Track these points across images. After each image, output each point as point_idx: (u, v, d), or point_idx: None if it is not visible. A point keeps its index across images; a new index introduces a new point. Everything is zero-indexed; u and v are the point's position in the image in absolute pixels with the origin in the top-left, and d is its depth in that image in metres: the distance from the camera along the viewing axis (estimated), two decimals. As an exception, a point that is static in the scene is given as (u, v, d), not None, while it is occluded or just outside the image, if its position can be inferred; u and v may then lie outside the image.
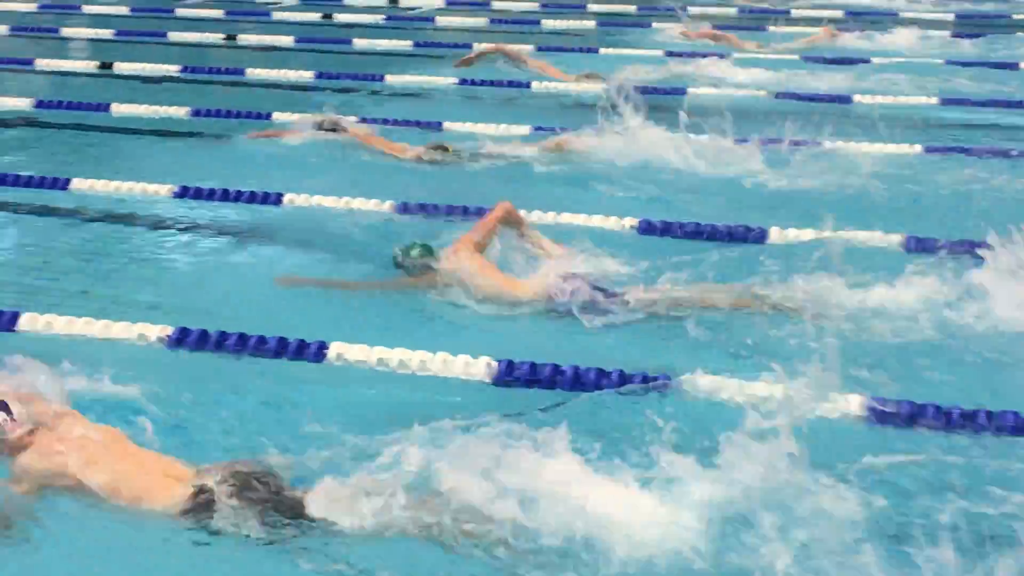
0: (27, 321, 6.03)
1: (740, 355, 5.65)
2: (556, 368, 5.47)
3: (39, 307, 6.22)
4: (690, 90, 11.40)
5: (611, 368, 5.41)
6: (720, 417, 4.72)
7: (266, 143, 9.85)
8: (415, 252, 6.46)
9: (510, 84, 12.62)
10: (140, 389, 5.02)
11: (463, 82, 12.69)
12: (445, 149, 9.20)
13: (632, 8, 18.97)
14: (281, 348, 5.71)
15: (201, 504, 4.10)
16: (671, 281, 6.36)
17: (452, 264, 6.35)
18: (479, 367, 5.51)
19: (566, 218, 7.74)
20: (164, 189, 8.53)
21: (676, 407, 4.90)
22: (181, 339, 5.80)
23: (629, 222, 7.69)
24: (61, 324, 6.01)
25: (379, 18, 18.40)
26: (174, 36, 16.03)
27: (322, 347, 5.67)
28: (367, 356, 5.62)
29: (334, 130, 9.61)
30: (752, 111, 10.62)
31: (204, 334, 5.81)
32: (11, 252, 7.72)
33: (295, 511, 4.08)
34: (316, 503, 4.09)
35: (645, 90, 9.76)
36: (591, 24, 17.45)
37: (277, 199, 8.26)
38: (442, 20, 18.13)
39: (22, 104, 11.40)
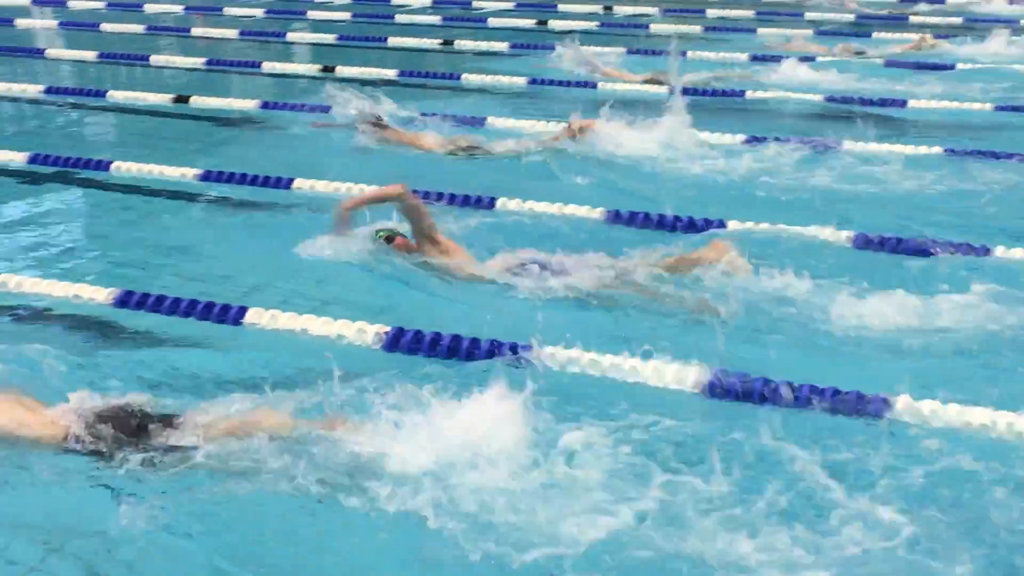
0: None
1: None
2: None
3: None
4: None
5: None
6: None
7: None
8: (380, 234, 7.07)
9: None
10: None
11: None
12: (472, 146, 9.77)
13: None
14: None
15: (77, 433, 4.73)
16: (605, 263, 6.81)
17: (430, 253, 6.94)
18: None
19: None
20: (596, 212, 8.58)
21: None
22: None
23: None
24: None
25: (593, 24, 18.47)
26: (393, 41, 16.43)
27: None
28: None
29: (377, 124, 10.04)
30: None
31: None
32: (228, 247, 7.97)
33: (158, 440, 4.71)
34: (178, 435, 4.71)
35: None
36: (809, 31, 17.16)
37: (490, 203, 8.37)
38: (656, 27, 18.10)
39: (248, 105, 11.85)
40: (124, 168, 9.30)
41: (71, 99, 12.53)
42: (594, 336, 5.90)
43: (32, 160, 9.61)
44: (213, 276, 7.09)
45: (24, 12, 20.36)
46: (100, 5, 21.54)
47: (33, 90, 12.74)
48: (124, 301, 6.54)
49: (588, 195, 8.49)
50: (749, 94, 12.37)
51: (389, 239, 7.03)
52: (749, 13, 19.68)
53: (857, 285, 6.51)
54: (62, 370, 5.39)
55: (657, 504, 4.42)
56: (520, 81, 13.28)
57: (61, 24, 19.11)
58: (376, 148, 9.81)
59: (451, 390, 4.96)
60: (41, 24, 19.35)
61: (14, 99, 12.64)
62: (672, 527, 4.29)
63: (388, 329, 6.03)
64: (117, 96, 12.28)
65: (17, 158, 9.67)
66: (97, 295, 6.60)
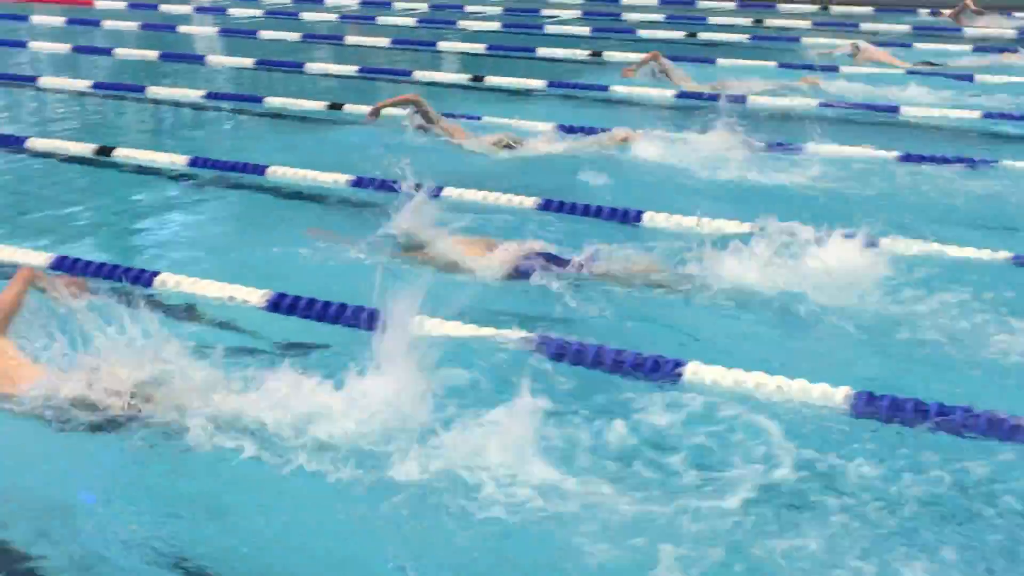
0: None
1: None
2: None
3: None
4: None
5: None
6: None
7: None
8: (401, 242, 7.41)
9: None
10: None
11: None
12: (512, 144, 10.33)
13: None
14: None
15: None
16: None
17: (440, 247, 7.29)
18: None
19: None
20: (529, 202, 8.79)
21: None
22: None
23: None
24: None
25: (744, 37, 18.32)
26: (542, 52, 16.54)
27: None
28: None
29: (425, 121, 10.72)
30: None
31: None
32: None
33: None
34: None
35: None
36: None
37: (637, 217, 8.36)
38: (807, 40, 17.88)
39: (399, 112, 12.04)
40: (279, 173, 9.54)
41: (229, 104, 12.92)
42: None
43: (192, 163, 9.92)
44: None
45: (185, 19, 21.04)
46: (258, 13, 22.14)
47: (194, 95, 13.15)
48: (276, 304, 6.70)
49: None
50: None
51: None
52: (906, 28, 19.36)
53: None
54: (213, 369, 5.54)
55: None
56: (668, 94, 13.24)
57: (221, 31, 19.69)
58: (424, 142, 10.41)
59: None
60: (201, 31, 19.97)
61: (176, 103, 13.06)
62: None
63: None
64: (273, 102, 12.61)
65: (179, 160, 10.00)
66: (251, 296, 6.78)
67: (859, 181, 9.28)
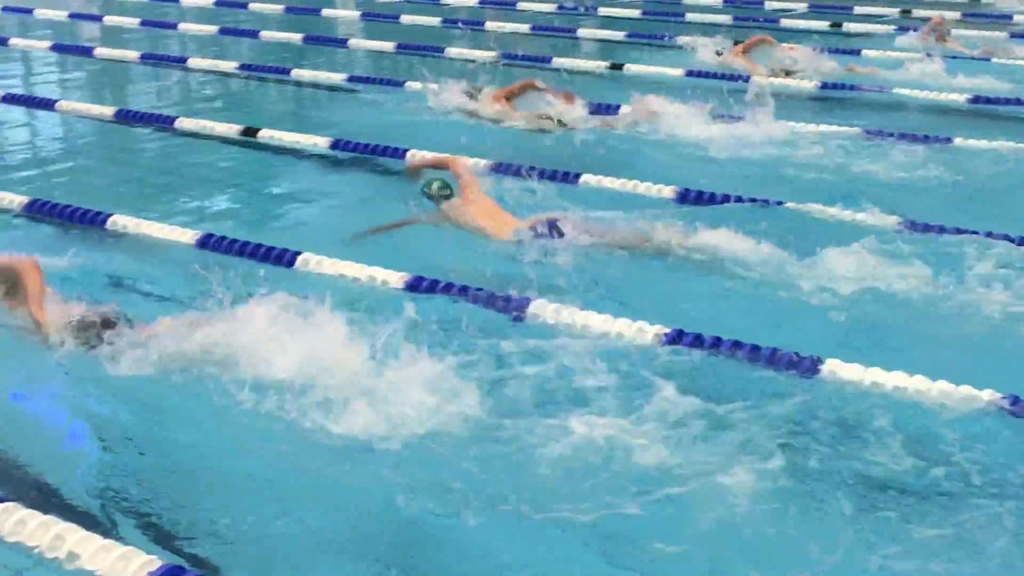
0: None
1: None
2: None
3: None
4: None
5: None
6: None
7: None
8: (436, 185, 7.85)
9: None
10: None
11: (974, 99, 12.16)
12: (549, 118, 10.72)
13: None
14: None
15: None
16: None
17: (462, 203, 7.78)
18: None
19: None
20: (667, 190, 8.74)
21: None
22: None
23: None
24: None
25: (889, 28, 17.90)
26: (682, 40, 16.38)
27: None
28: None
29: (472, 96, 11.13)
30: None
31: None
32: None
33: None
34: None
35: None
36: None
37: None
38: (958, 32, 17.39)
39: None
40: (418, 157, 9.63)
41: (370, 87, 13.06)
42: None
43: (334, 145, 10.08)
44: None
45: (329, 3, 21.34)
46: (400, -3, 22.36)
47: (336, 78, 13.35)
48: (414, 286, 6.78)
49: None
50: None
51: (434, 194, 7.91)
52: None
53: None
54: (357, 348, 5.64)
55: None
56: (808, 85, 13.02)
57: (363, 15, 19.92)
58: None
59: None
60: (344, 15, 20.24)
61: (316, 86, 13.28)
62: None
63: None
64: (414, 86, 12.72)
65: (321, 142, 10.16)
66: (390, 278, 6.86)
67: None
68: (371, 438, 4.99)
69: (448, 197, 7.87)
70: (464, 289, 6.59)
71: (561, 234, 7.50)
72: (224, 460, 5.00)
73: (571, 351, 5.71)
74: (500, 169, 9.21)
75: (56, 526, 4.32)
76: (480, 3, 21.50)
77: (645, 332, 6.08)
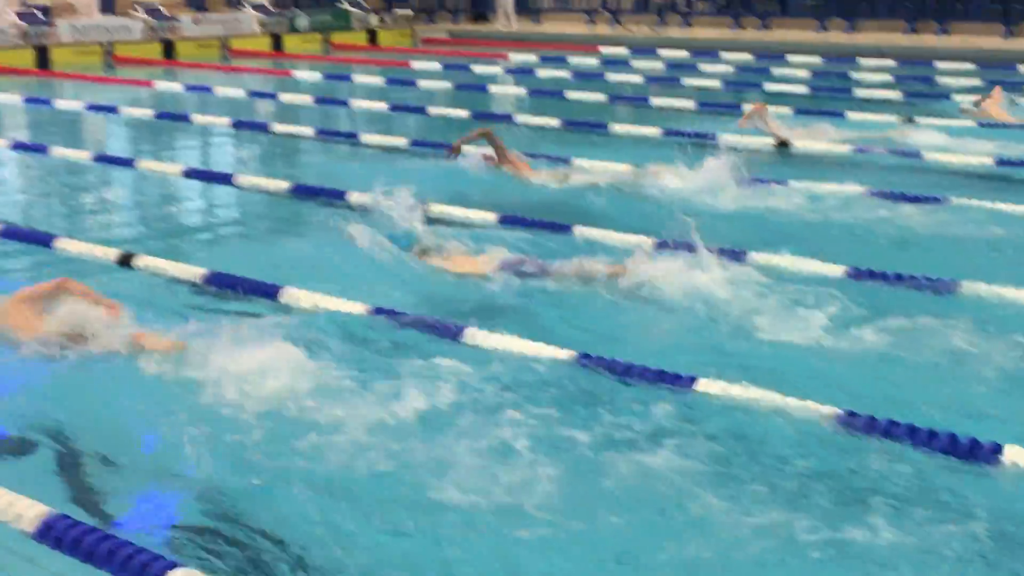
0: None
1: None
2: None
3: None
4: None
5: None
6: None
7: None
8: (416, 249, 8.94)
9: None
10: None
11: None
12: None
13: None
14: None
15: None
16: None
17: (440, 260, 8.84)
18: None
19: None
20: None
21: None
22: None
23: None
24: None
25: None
26: (852, 116, 16.12)
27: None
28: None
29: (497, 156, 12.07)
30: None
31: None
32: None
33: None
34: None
35: None
36: None
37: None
38: None
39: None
40: (586, 233, 9.64)
41: (539, 162, 13.10)
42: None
43: (502, 221, 10.12)
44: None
45: (495, 79, 21.67)
46: (566, 74, 22.54)
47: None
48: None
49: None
50: None
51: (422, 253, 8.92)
52: None
53: None
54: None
55: None
56: (983, 160, 12.66)
57: (530, 92, 20.13)
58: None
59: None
60: (511, 91, 20.50)
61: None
62: None
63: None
64: (580, 163, 12.81)
65: (490, 218, 10.20)
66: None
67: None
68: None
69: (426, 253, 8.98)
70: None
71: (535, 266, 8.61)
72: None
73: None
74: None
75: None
76: (646, 80, 21.59)
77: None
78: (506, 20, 32.65)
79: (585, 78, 22.23)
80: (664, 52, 27.23)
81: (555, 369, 6.58)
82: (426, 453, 5.57)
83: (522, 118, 16.65)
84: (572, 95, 19.25)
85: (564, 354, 6.72)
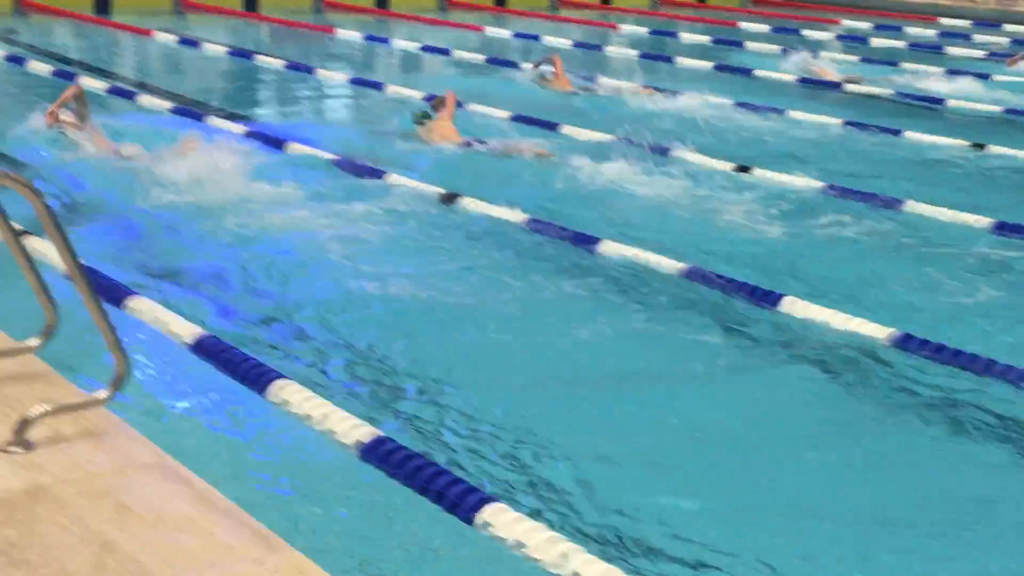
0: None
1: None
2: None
3: None
4: None
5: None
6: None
7: None
8: (419, 114, 11.63)
9: None
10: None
11: None
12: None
13: None
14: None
15: None
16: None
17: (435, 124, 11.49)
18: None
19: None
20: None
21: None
22: None
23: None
24: None
25: None
26: None
27: None
28: None
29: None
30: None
31: None
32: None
33: None
34: None
35: None
36: None
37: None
38: None
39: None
40: (917, 209, 9.25)
41: (868, 135, 12.63)
42: None
43: (830, 189, 9.83)
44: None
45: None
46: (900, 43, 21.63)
47: (834, 122, 13.06)
48: (904, 343, 6.46)
49: None
50: None
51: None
52: None
53: None
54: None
55: None
56: None
57: (861, 59, 19.42)
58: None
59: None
60: (846, 58, 19.83)
61: (815, 126, 13.02)
62: None
63: None
64: (912, 137, 12.28)
65: (815, 184, 9.95)
66: (878, 333, 6.57)
67: None
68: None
69: (427, 118, 11.53)
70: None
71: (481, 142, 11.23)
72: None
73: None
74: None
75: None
76: (989, 55, 20.45)
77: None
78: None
79: (921, 49, 21.30)
80: (1010, 27, 25.74)
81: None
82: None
83: (853, 88, 16.07)
84: (906, 65, 18.44)
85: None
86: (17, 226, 4.23)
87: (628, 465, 5.13)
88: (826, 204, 9.54)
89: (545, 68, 15.53)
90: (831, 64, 17.82)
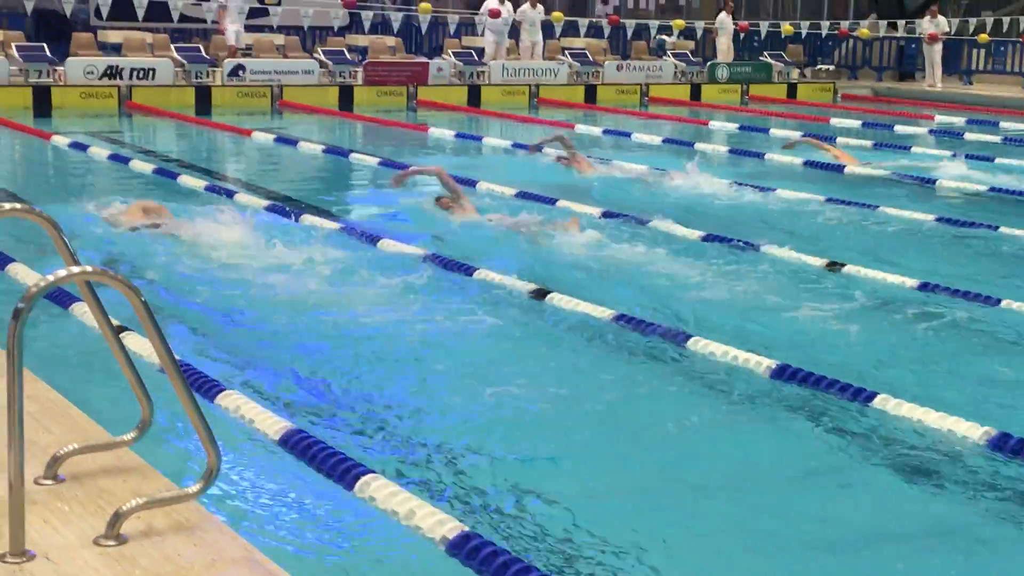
0: None
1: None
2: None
3: None
4: None
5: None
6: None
7: None
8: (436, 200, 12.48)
9: None
10: None
11: None
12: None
13: None
14: None
15: None
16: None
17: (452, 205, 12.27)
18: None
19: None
20: None
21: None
22: None
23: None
24: None
25: None
26: None
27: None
28: None
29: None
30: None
31: None
32: None
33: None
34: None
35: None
36: None
37: None
38: None
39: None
40: (1014, 306, 9.09)
41: (957, 230, 12.44)
42: None
43: (922, 287, 9.69)
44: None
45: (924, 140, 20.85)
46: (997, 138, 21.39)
47: (924, 218, 12.91)
48: (1000, 444, 6.32)
49: None
50: None
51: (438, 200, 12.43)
52: None
53: None
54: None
55: None
56: None
57: (953, 155, 19.23)
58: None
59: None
60: (935, 152, 19.67)
61: (907, 223, 12.89)
62: None
63: None
64: (1009, 232, 12.13)
65: (909, 283, 9.79)
66: (972, 432, 6.45)
67: None
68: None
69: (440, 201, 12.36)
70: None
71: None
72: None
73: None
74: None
75: None
76: None
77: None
78: (932, 80, 31.46)
79: (1017, 143, 21.05)
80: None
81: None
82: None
83: (947, 183, 15.89)
84: (1001, 161, 18.20)
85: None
86: (115, 321, 4.34)
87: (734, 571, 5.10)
88: (921, 300, 9.41)
89: (554, 150, 16.54)
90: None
